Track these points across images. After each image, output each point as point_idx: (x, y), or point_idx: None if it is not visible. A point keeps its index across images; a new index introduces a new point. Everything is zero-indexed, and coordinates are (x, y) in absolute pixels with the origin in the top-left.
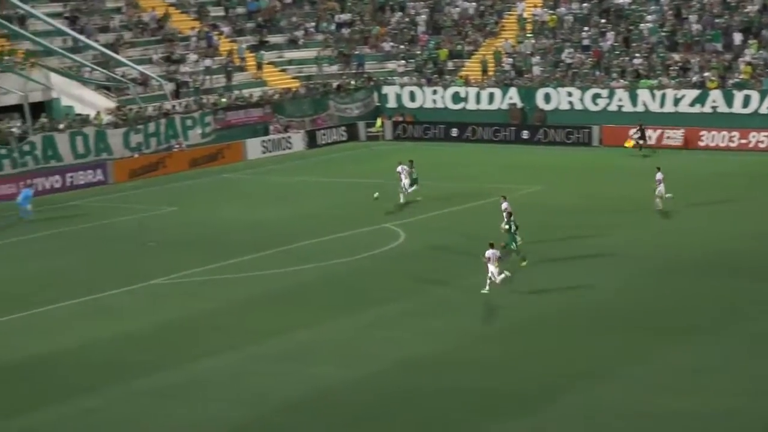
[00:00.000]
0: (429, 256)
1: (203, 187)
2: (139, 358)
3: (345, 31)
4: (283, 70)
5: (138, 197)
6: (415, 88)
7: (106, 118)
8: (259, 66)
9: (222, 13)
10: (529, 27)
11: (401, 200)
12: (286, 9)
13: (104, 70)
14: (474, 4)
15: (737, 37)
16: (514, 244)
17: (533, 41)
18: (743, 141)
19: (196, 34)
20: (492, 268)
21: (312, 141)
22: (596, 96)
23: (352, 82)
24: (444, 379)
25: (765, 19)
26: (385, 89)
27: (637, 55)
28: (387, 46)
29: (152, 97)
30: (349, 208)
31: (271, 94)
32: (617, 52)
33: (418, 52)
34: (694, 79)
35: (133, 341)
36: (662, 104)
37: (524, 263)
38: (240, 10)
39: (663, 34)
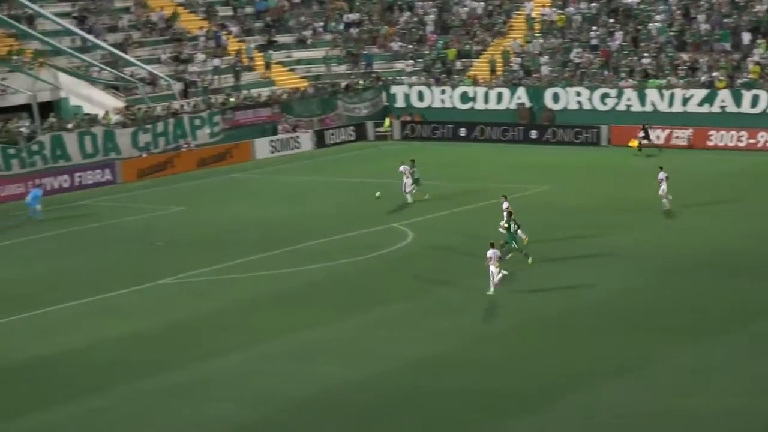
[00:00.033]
0: (436, 256)
1: (211, 186)
2: (145, 357)
3: (353, 30)
4: (291, 70)
5: (146, 197)
6: (423, 88)
7: (114, 118)
8: (268, 66)
9: (230, 13)
10: (537, 27)
11: (409, 200)
12: (295, 9)
13: (113, 70)
14: (482, 3)
15: (746, 37)
16: (513, 243)
17: (542, 41)
18: (752, 141)
19: (204, 33)
20: (493, 269)
21: (320, 141)
22: (605, 96)
23: (361, 82)
24: (447, 379)
25: None
26: (394, 89)
27: (645, 54)
28: (395, 45)
29: (161, 97)
30: (357, 207)
31: (280, 94)
32: (626, 52)
33: (427, 52)
34: (703, 78)
35: (140, 341)
36: (671, 104)
37: (530, 260)
38: (248, 9)
39: (671, 33)
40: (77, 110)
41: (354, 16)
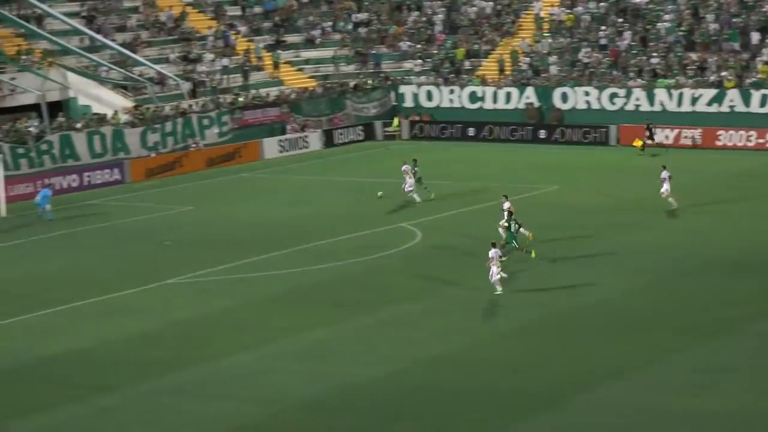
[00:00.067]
0: (444, 255)
1: (220, 186)
2: (154, 357)
3: (362, 30)
4: (300, 70)
5: (155, 196)
6: (432, 88)
7: (123, 118)
8: (276, 65)
9: (239, 13)
10: (546, 26)
11: (417, 199)
12: (303, 8)
13: (121, 70)
14: (491, 3)
15: (755, 37)
16: (514, 242)
17: (550, 40)
18: (761, 140)
19: (213, 33)
20: (494, 269)
21: (329, 140)
22: (613, 95)
23: (369, 82)
24: (462, 378)
25: None
26: (402, 88)
27: (654, 54)
28: (404, 45)
29: (169, 97)
30: (365, 207)
31: (288, 94)
32: (634, 52)
33: (435, 52)
34: (712, 78)
35: (148, 340)
36: (679, 104)
37: (533, 254)
38: (257, 9)
39: (680, 33)
40: (86, 110)
41: (362, 16)
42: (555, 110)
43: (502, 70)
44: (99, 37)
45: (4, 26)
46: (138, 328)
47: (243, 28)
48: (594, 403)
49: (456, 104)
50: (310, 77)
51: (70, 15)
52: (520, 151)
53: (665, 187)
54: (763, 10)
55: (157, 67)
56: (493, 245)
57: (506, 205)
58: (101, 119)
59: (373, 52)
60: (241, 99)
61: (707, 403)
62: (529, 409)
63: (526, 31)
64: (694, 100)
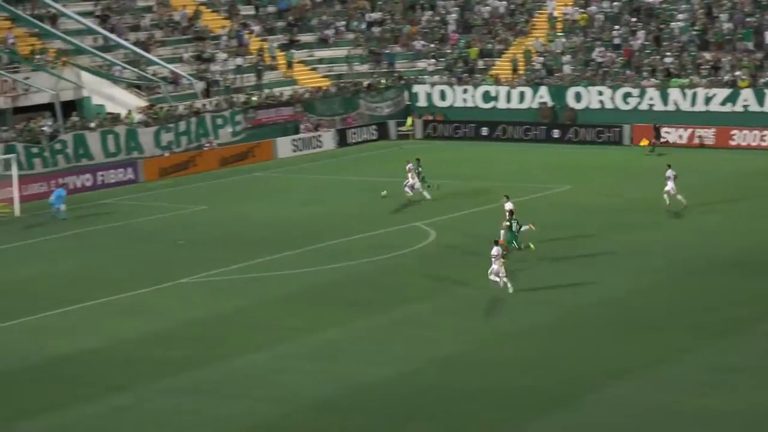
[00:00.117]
0: (457, 255)
1: (233, 185)
2: (168, 356)
3: (375, 29)
4: (313, 69)
5: (168, 196)
6: (445, 87)
7: (137, 117)
8: (290, 65)
9: (252, 12)
10: (559, 26)
11: (427, 197)
12: (317, 8)
13: (135, 69)
14: (504, 2)
15: None
16: (514, 242)
17: (564, 40)
18: None
19: (226, 32)
20: (496, 267)
21: (342, 140)
22: (627, 95)
23: (383, 81)
24: (474, 378)
25: None
26: (416, 88)
27: (668, 53)
28: (417, 44)
29: (183, 96)
30: (379, 206)
31: (302, 93)
32: (648, 51)
33: (449, 51)
34: (726, 78)
35: (161, 340)
36: (693, 103)
37: (532, 246)
38: (270, 8)
39: (694, 32)
40: (100, 109)
41: (376, 15)
42: (568, 110)
43: (515, 70)
44: (113, 36)
45: (19, 26)
46: (151, 327)
47: (256, 28)
48: (604, 402)
49: (469, 104)
50: (323, 77)
51: (84, 14)
52: (533, 150)
53: (670, 186)
54: None
55: (170, 66)
56: (496, 243)
57: (508, 205)
58: (115, 119)
59: (387, 51)
60: (254, 98)
61: (717, 402)
62: (540, 408)
63: (539, 31)
64: (708, 100)
